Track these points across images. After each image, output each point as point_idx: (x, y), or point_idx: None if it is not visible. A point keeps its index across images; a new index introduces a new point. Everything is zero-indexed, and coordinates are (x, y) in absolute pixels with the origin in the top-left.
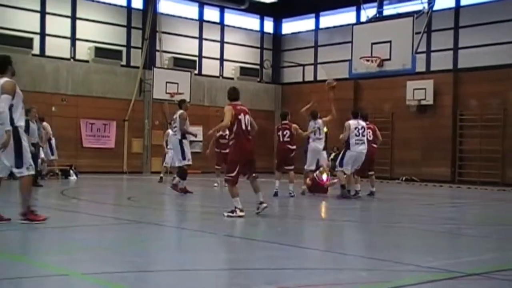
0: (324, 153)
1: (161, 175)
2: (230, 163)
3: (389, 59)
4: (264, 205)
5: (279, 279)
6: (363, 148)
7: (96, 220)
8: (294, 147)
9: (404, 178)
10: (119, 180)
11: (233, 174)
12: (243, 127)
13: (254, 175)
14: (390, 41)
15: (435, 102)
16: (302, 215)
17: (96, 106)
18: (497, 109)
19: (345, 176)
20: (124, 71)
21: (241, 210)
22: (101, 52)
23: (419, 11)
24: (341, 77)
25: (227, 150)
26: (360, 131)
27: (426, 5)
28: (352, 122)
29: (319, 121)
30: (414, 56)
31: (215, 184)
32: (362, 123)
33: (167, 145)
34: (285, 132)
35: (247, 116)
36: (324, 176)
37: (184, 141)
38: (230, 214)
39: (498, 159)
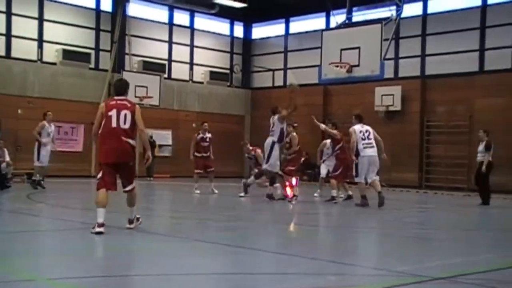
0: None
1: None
2: (98, 166)
3: (358, 65)
4: (133, 225)
5: (248, 285)
6: (373, 151)
7: (63, 225)
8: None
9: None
10: (87, 184)
11: (99, 177)
12: (113, 124)
13: (129, 188)
14: (359, 47)
15: (403, 108)
16: (271, 220)
17: (63, 109)
18: (463, 116)
19: (367, 185)
20: (92, 74)
21: (100, 225)
22: (69, 55)
23: (388, 18)
24: (311, 82)
25: (208, 154)
26: (366, 135)
27: (394, 12)
28: (357, 127)
29: (275, 117)
30: (383, 62)
31: (197, 191)
32: (367, 126)
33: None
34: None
35: (124, 112)
36: (293, 181)
37: (276, 145)
38: (92, 230)
39: (464, 165)
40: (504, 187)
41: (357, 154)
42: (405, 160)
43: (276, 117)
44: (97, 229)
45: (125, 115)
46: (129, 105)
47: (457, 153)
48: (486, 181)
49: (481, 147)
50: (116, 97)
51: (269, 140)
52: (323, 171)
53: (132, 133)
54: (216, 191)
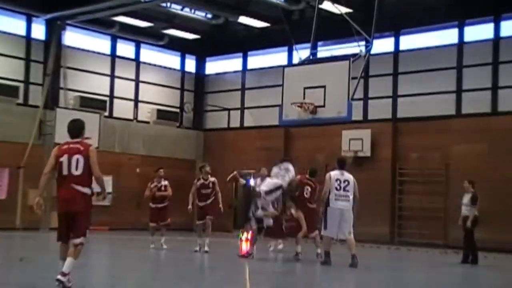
0: None
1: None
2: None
3: (323, 106)
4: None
5: None
6: (345, 205)
7: None
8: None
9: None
10: (10, 237)
11: (57, 228)
12: (64, 172)
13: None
14: (324, 86)
15: (372, 154)
16: (222, 280)
17: None
18: (438, 163)
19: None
20: (20, 111)
21: (62, 274)
22: None
23: (356, 54)
24: (270, 124)
25: (165, 204)
26: (343, 185)
27: (363, 48)
28: (334, 174)
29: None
30: (350, 103)
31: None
32: (348, 175)
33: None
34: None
35: (75, 157)
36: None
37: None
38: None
39: (440, 219)
40: (484, 243)
41: (327, 204)
42: (375, 212)
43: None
44: (58, 276)
45: (77, 160)
46: (81, 148)
47: (432, 205)
48: (472, 237)
49: (466, 199)
50: (70, 140)
51: None
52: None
53: (86, 180)
54: (165, 246)
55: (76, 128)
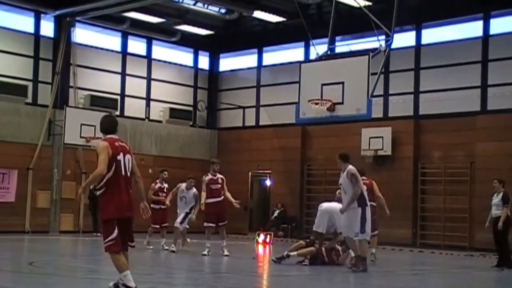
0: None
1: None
2: (106, 223)
3: (342, 103)
4: None
5: None
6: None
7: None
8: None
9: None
10: (19, 241)
11: (113, 237)
12: (123, 172)
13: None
14: (342, 82)
15: (393, 153)
16: (246, 284)
17: None
18: (463, 162)
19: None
20: (29, 111)
21: None
22: (2, 87)
23: (376, 49)
24: (287, 122)
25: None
26: None
27: (383, 43)
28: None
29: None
30: (370, 100)
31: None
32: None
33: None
34: None
35: (127, 157)
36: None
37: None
38: None
39: (465, 220)
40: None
41: (365, 203)
42: (397, 213)
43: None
44: None
45: (129, 160)
46: (128, 148)
47: (457, 206)
48: (505, 239)
49: (496, 199)
50: (113, 137)
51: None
52: None
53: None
54: (167, 247)
55: (114, 123)
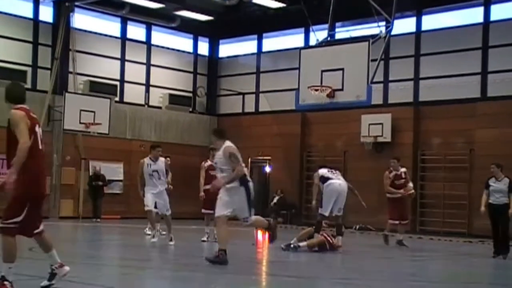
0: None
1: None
2: (17, 202)
3: (342, 89)
4: (65, 270)
5: None
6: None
7: None
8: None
9: (357, 227)
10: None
11: (19, 219)
12: (40, 145)
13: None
14: (342, 69)
15: (393, 140)
16: (242, 269)
17: None
18: (462, 149)
19: None
20: (28, 96)
21: (12, 285)
22: (1, 73)
23: (376, 35)
24: (287, 108)
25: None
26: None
27: (383, 29)
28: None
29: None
30: (370, 86)
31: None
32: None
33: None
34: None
35: (40, 129)
36: None
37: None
38: None
39: (464, 207)
40: None
41: (246, 180)
42: None
43: None
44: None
45: (41, 133)
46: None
47: (456, 192)
48: (508, 227)
49: (500, 185)
50: (24, 106)
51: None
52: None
53: None
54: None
55: (24, 92)
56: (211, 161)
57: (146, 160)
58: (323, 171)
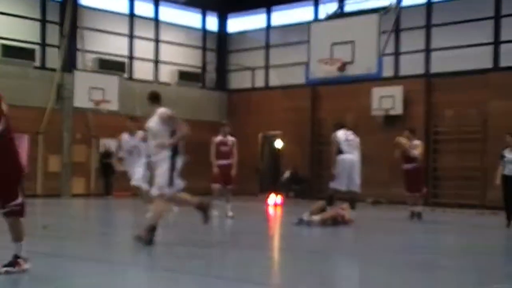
0: None
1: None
2: (14, 184)
3: (352, 62)
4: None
5: None
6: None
7: (5, 254)
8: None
9: (370, 200)
10: (31, 205)
11: (20, 201)
12: (11, 125)
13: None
14: (353, 42)
15: (405, 112)
16: (256, 244)
17: None
18: (476, 120)
19: None
20: (37, 74)
21: (26, 260)
22: (10, 51)
23: (386, 7)
24: (297, 83)
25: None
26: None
27: (393, 1)
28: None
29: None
30: (381, 58)
31: (230, 213)
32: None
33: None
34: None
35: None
36: None
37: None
38: (8, 269)
39: (478, 178)
40: None
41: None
42: None
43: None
44: (23, 266)
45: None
46: None
47: (469, 164)
48: None
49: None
50: None
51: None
52: None
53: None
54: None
55: None
56: (222, 136)
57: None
58: (340, 137)
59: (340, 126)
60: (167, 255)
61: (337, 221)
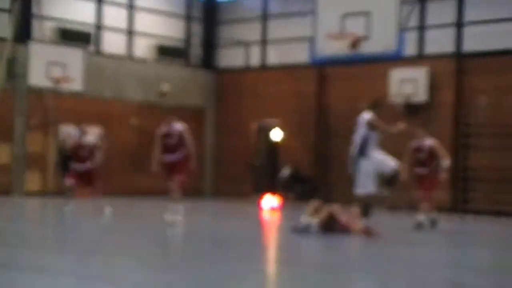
0: None
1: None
2: None
3: (367, 38)
4: None
5: None
6: None
7: None
8: None
9: (385, 205)
10: None
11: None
12: None
13: None
14: (368, 13)
15: (430, 100)
16: (246, 256)
17: None
18: None
19: None
20: None
21: None
22: None
23: None
24: (299, 62)
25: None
26: None
27: None
28: None
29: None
30: (402, 34)
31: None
32: None
33: None
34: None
35: None
36: None
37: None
38: None
39: None
40: None
41: None
42: None
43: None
44: None
45: None
46: None
47: (506, 163)
48: None
49: None
50: None
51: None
52: None
53: None
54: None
55: None
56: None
57: None
58: (369, 123)
59: (376, 105)
60: (140, 268)
61: (332, 226)
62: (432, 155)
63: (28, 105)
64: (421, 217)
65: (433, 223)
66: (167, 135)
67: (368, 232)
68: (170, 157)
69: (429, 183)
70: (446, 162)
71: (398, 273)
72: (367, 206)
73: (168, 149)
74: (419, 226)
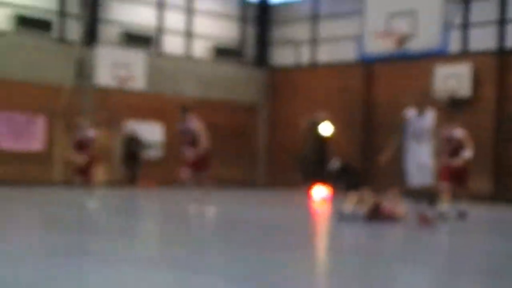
0: None
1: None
2: None
3: (413, 36)
4: None
5: None
6: None
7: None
8: None
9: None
10: (47, 194)
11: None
12: None
13: None
14: (414, 11)
15: (474, 95)
16: (294, 244)
17: (15, 93)
18: None
19: None
20: (55, 48)
21: None
22: (25, 21)
23: None
24: (347, 59)
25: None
26: None
27: None
28: None
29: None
30: (447, 31)
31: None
32: None
33: None
34: None
35: None
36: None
37: None
38: None
39: None
40: None
41: None
42: (475, 163)
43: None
44: None
45: None
46: None
47: None
48: None
49: None
50: None
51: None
52: None
53: None
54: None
55: None
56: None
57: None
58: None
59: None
60: (199, 255)
61: (375, 214)
62: (461, 147)
63: (94, 103)
64: (444, 208)
65: (462, 215)
66: (182, 132)
67: (426, 221)
68: (188, 153)
69: (456, 174)
70: (468, 153)
71: (439, 260)
72: (432, 195)
73: (186, 144)
74: (442, 217)
